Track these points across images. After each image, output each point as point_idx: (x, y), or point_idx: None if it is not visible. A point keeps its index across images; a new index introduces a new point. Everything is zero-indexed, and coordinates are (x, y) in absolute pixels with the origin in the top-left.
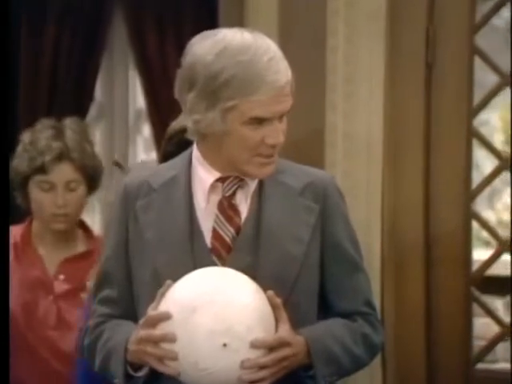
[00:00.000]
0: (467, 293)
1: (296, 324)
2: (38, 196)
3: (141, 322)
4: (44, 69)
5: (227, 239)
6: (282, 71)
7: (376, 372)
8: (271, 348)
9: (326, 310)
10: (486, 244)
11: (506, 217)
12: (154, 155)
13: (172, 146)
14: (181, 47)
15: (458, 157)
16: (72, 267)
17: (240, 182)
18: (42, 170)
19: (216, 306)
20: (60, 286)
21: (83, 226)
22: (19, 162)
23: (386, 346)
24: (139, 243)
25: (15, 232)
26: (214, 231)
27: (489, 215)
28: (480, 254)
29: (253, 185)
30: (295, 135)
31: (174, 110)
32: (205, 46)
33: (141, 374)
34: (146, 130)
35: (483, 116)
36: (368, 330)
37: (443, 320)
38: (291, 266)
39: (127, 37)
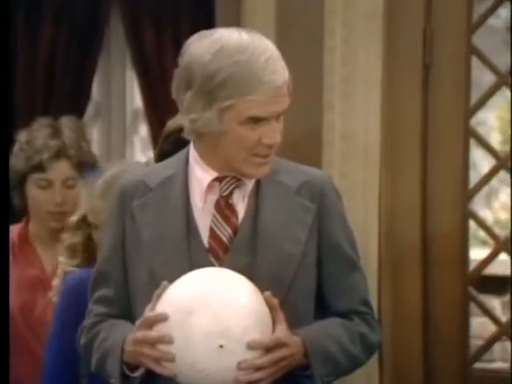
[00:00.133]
0: (464, 292)
1: (293, 324)
2: (35, 194)
3: (137, 323)
4: (41, 69)
5: (224, 239)
6: (279, 71)
7: (373, 372)
8: (268, 349)
9: (323, 309)
10: (483, 243)
11: (503, 216)
12: (151, 155)
13: (168, 144)
14: (178, 47)
15: (456, 156)
16: None
17: (237, 181)
18: (39, 167)
19: (212, 308)
20: None
21: None
22: (16, 161)
23: (383, 345)
24: (136, 243)
25: (12, 231)
26: (211, 231)
27: (486, 215)
28: (477, 254)
29: (250, 184)
30: (293, 135)
31: (171, 109)
32: (202, 46)
33: (137, 374)
34: (143, 129)
35: (480, 116)
36: (365, 329)
37: (440, 319)
38: (288, 266)
39: (124, 36)
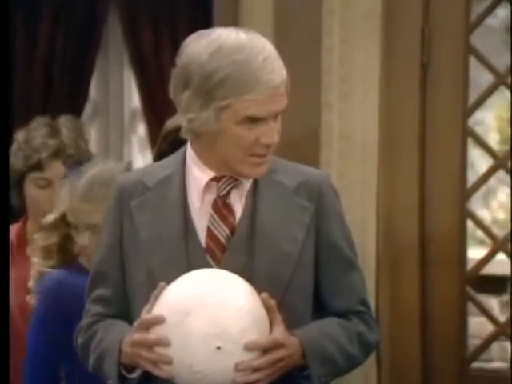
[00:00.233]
0: (462, 292)
1: (291, 324)
2: (34, 193)
3: (135, 324)
4: (39, 68)
5: (222, 239)
6: (276, 71)
7: (371, 371)
8: (265, 350)
9: (320, 309)
10: (481, 243)
11: (501, 216)
12: (149, 154)
13: (166, 144)
14: (176, 46)
15: (453, 156)
16: None
17: (235, 181)
18: (38, 166)
19: (209, 309)
20: None
21: None
22: (14, 161)
23: (381, 345)
24: (134, 243)
25: (11, 231)
26: (209, 231)
27: (484, 214)
28: (475, 253)
29: (247, 184)
30: (290, 135)
31: (169, 109)
32: (200, 46)
33: (134, 375)
34: (141, 129)
35: (478, 115)
36: (363, 328)
37: (438, 319)
38: (286, 265)
39: (122, 36)
